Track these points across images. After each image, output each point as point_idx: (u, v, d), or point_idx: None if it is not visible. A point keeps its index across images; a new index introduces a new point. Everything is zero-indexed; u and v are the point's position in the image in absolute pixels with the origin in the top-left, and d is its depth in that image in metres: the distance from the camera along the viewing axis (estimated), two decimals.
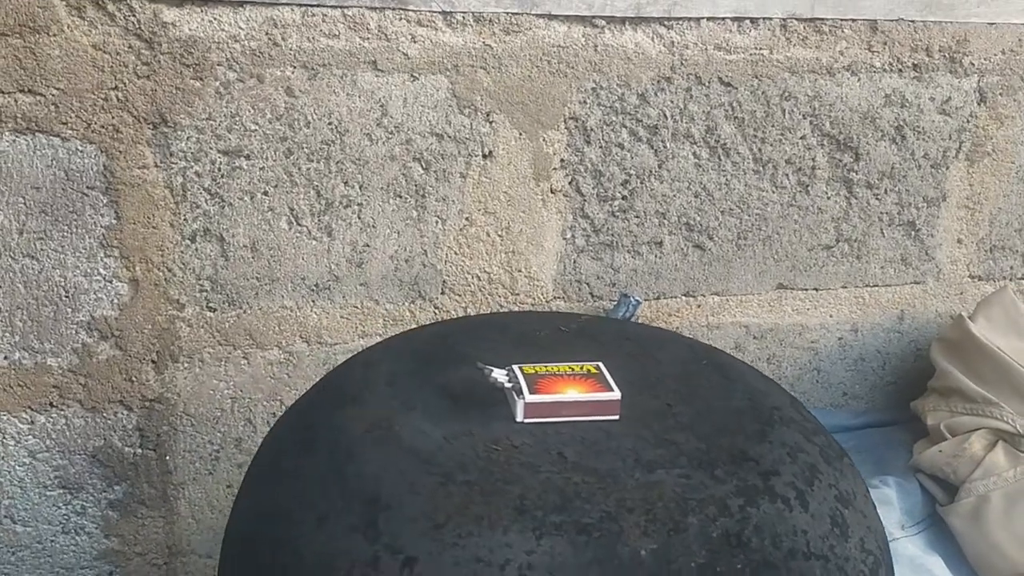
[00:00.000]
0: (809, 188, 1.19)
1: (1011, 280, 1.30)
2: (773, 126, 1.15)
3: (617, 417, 0.64)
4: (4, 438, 1.04)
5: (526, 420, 0.63)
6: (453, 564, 0.53)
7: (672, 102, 1.11)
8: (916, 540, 1.03)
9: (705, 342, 1.21)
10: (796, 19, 1.10)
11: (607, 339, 0.76)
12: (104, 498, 1.10)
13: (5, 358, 1.02)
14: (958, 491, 1.04)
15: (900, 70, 1.15)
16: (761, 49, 1.11)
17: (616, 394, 0.64)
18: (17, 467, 1.06)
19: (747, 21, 1.09)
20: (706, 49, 1.10)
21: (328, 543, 0.56)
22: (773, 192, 1.18)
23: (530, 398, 0.62)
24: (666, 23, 1.08)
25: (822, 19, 1.11)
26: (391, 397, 0.66)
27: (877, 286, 1.26)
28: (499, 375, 0.64)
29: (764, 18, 1.10)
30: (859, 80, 1.15)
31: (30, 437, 1.05)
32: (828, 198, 1.20)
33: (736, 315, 1.23)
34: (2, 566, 1.09)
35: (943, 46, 1.15)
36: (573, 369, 0.66)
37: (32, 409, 1.04)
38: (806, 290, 1.24)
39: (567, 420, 0.63)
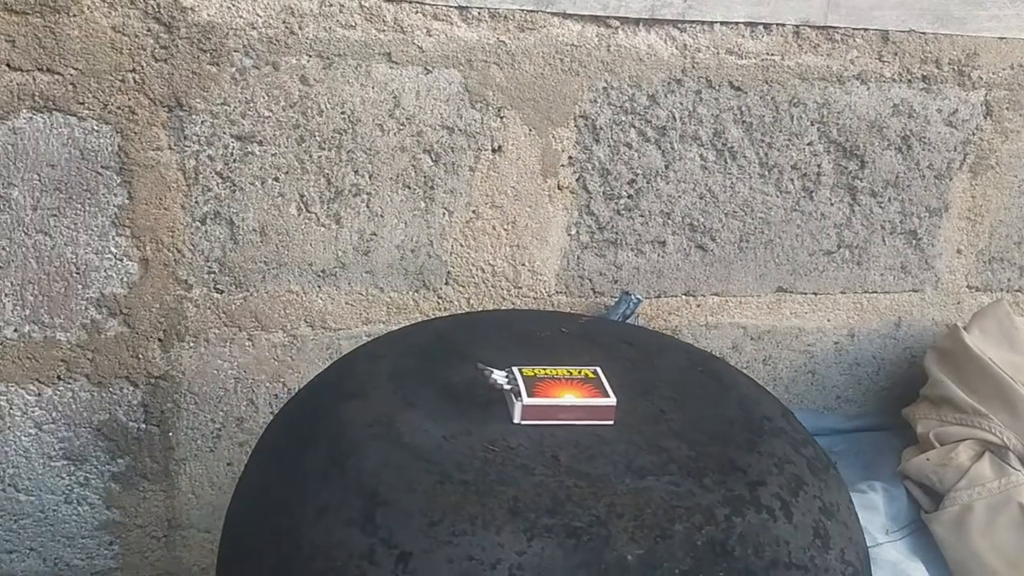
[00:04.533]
0: (813, 194, 1.20)
1: (1008, 292, 1.32)
2: (781, 131, 1.16)
3: (612, 422, 0.66)
4: (11, 409, 1.07)
5: (523, 422, 0.65)
6: (447, 561, 0.55)
7: (681, 104, 1.12)
8: (899, 545, 1.05)
9: (703, 348, 1.24)
10: (809, 26, 1.11)
11: (607, 342, 0.78)
12: (107, 470, 1.12)
13: (15, 331, 1.04)
14: (943, 499, 1.06)
15: (909, 81, 1.16)
16: (773, 55, 1.12)
17: (612, 400, 0.66)
18: (23, 437, 1.08)
19: (760, 27, 1.10)
20: (718, 53, 1.10)
21: (326, 534, 0.58)
22: (777, 196, 1.19)
23: (528, 401, 0.64)
24: (679, 26, 1.08)
25: (835, 27, 1.11)
26: (393, 393, 0.68)
27: (876, 292, 1.28)
28: (499, 376, 0.66)
29: (777, 24, 1.10)
30: (868, 89, 1.15)
31: (37, 409, 1.07)
32: (832, 204, 1.21)
33: (735, 316, 1.25)
34: (4, 534, 1.11)
35: (952, 59, 1.16)
36: (572, 373, 0.68)
37: (40, 382, 1.06)
38: (805, 294, 1.26)
39: (563, 423, 0.65)
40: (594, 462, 0.62)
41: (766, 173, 1.18)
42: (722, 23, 1.09)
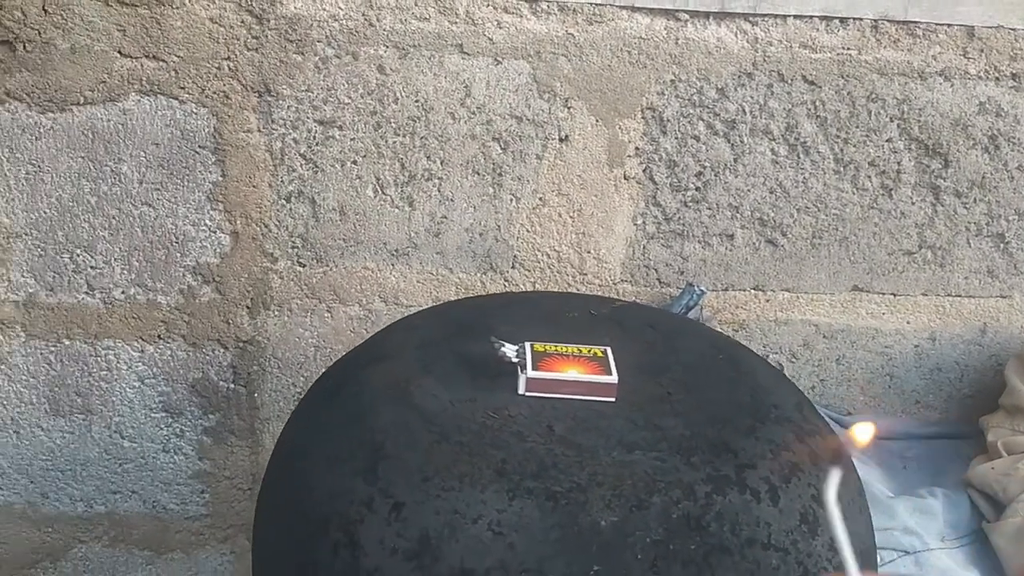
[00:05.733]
0: (892, 192, 1.18)
1: None
2: (858, 127, 1.14)
3: (613, 399, 0.69)
4: (118, 363, 1.19)
5: (527, 393, 0.68)
6: (434, 513, 0.60)
7: (752, 98, 1.12)
8: (955, 553, 1.02)
9: (772, 344, 1.23)
10: (888, 20, 1.09)
11: (632, 326, 0.81)
12: (200, 424, 1.23)
13: (122, 292, 1.15)
14: (1005, 510, 1.02)
15: (997, 78, 1.12)
16: (849, 49, 1.10)
17: (614, 378, 0.69)
18: (128, 389, 1.20)
19: (836, 20, 1.09)
20: (791, 46, 1.10)
21: (335, 482, 0.64)
22: (853, 193, 1.17)
23: (532, 373, 0.68)
24: (751, 19, 1.09)
25: (916, 22, 1.09)
26: (415, 360, 0.73)
27: (960, 296, 1.24)
28: (509, 350, 0.70)
29: (854, 18, 1.09)
30: (952, 86, 1.12)
31: (140, 364, 1.19)
32: (912, 203, 1.18)
33: (806, 313, 1.24)
34: (110, 476, 1.24)
35: None
36: (581, 351, 0.71)
37: (143, 340, 1.18)
38: (883, 294, 1.23)
39: (565, 397, 0.68)
40: (587, 434, 0.65)
41: (841, 169, 1.16)
42: (795, 16, 1.08)
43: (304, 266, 1.16)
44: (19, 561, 1.26)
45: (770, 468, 0.64)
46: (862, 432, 0.32)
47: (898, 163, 1.16)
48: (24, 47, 1.03)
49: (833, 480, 0.31)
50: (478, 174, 1.13)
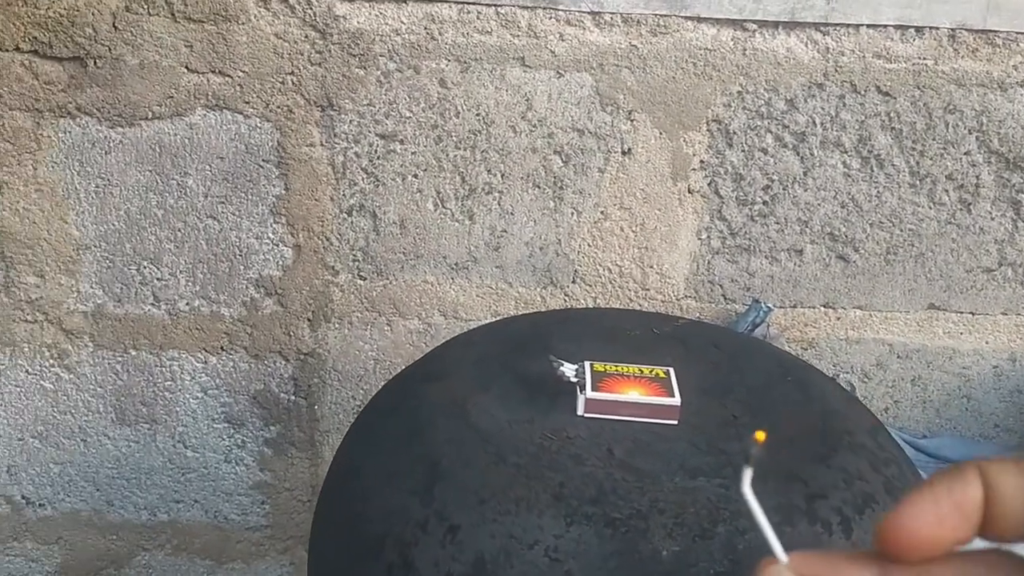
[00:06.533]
0: (971, 207, 1.13)
1: None
2: (934, 139, 1.10)
3: (675, 422, 0.66)
4: (182, 374, 1.20)
5: (586, 414, 0.67)
6: (489, 537, 0.58)
7: (823, 109, 1.08)
8: None
9: (843, 363, 1.19)
10: (966, 30, 1.05)
11: (695, 345, 0.78)
12: (261, 436, 1.24)
13: (187, 304, 1.17)
14: None
15: None
16: (925, 59, 1.06)
17: (676, 400, 0.66)
18: (191, 400, 1.21)
19: (911, 30, 1.05)
20: (864, 56, 1.06)
21: (391, 499, 0.63)
22: (930, 208, 1.13)
23: (591, 394, 0.66)
24: (822, 28, 1.05)
25: (995, 31, 1.04)
26: (473, 378, 0.72)
27: None
28: (568, 369, 0.68)
29: (930, 27, 1.05)
30: None
31: (203, 375, 1.20)
32: (992, 219, 1.13)
33: (880, 332, 1.19)
34: (173, 485, 1.25)
35: None
36: (642, 371, 0.69)
37: (206, 351, 1.19)
38: (961, 313, 1.18)
39: (626, 419, 0.66)
40: (648, 458, 0.63)
41: (917, 183, 1.12)
42: (868, 26, 1.05)
43: (365, 279, 1.16)
44: (85, 567, 1.28)
45: (842, 498, 0.61)
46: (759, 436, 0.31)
47: (977, 177, 1.11)
48: (95, 63, 1.05)
49: (748, 471, 0.29)
50: (539, 187, 1.12)
